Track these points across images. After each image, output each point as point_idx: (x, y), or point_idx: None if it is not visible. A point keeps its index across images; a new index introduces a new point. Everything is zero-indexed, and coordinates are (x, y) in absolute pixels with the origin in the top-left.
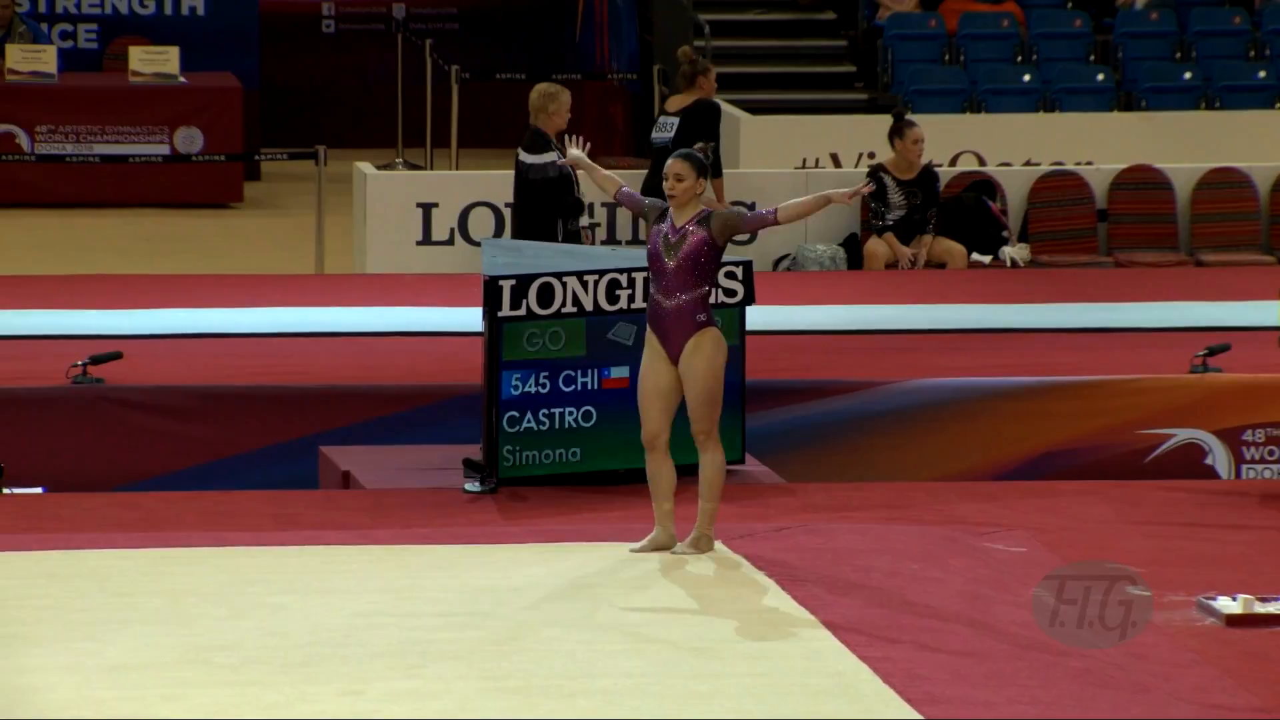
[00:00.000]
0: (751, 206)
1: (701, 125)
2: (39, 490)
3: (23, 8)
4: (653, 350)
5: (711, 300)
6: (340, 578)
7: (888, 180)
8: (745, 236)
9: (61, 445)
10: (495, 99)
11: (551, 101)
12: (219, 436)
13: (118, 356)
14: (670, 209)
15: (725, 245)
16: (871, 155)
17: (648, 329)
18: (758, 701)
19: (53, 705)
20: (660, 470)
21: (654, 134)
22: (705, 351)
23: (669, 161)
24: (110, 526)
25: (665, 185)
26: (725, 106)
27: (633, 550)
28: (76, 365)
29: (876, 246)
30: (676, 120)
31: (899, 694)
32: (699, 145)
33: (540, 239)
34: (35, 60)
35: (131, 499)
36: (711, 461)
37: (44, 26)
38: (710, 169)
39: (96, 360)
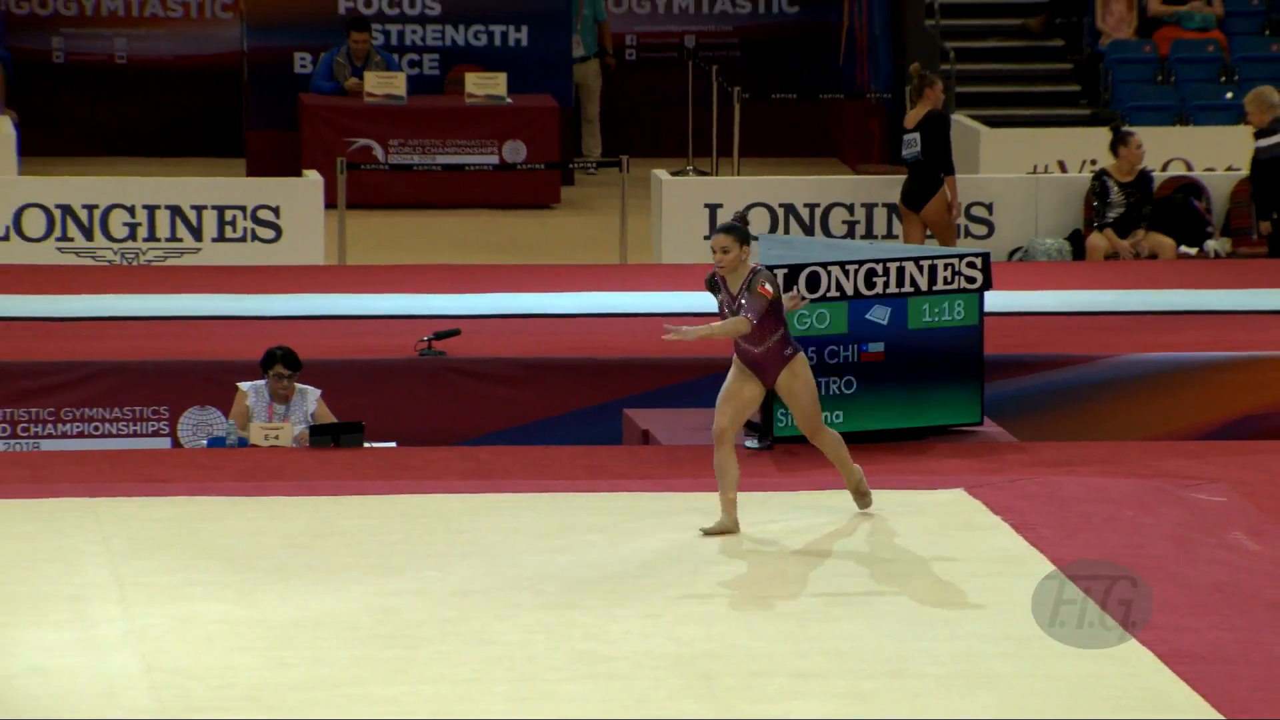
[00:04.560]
0: (990, 208)
1: (937, 134)
2: (393, 445)
3: (378, 41)
4: (741, 371)
5: (950, 285)
6: (642, 520)
7: (1110, 183)
8: (984, 231)
9: (411, 407)
10: (770, 115)
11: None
12: (540, 400)
13: (457, 333)
14: (722, 277)
15: (773, 295)
16: (1094, 162)
17: (738, 361)
18: (994, 627)
19: (410, 623)
20: (727, 464)
21: (904, 152)
22: (801, 376)
23: (715, 235)
24: (452, 475)
25: (713, 258)
26: (967, 121)
27: (703, 531)
28: (423, 340)
29: (1098, 240)
30: (917, 135)
31: (1116, 620)
32: (738, 214)
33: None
34: (389, 85)
35: (469, 452)
36: (830, 439)
37: (395, 56)
38: (945, 167)
39: (439, 336)
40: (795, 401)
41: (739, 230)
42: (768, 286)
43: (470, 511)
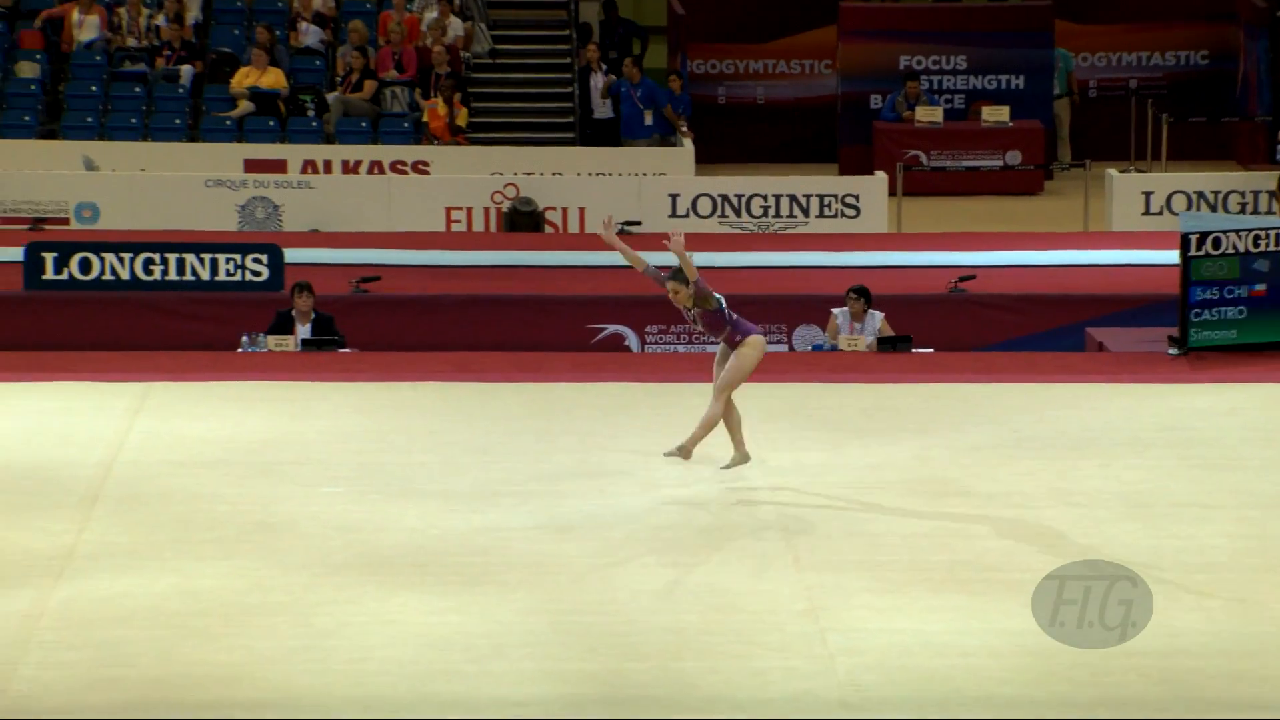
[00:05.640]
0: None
1: None
2: (931, 350)
3: (925, 87)
4: (721, 351)
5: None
6: (1095, 400)
7: None
8: None
9: (944, 327)
10: (1188, 132)
11: None
12: (1029, 321)
13: (973, 277)
14: (682, 305)
15: (715, 303)
16: None
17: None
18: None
19: (939, 464)
20: (730, 415)
21: (1278, 156)
22: (739, 355)
23: (667, 282)
24: (966, 370)
25: (671, 297)
26: None
27: (722, 469)
28: (951, 282)
29: None
30: None
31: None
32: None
33: None
34: (931, 115)
35: (981, 356)
36: (716, 409)
37: (936, 96)
38: None
39: (962, 279)
40: (728, 366)
41: (680, 276)
42: (702, 285)
43: (978, 395)
